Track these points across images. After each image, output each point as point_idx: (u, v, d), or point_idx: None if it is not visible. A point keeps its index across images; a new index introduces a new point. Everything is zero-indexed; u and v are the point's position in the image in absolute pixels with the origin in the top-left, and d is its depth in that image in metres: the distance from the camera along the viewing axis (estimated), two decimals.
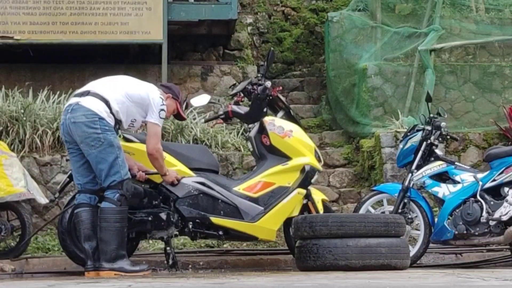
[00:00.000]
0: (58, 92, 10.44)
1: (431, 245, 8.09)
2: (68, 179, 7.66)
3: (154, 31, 11.20)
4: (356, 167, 10.74)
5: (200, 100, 7.97)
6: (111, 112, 6.93)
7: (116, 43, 11.44)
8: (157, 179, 7.34)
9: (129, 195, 6.95)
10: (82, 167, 7.02)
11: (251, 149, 7.88)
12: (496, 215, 7.75)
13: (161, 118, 7.05)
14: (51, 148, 9.66)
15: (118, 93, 6.99)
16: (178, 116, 7.50)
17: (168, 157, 7.39)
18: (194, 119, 10.26)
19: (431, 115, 8.28)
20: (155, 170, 7.26)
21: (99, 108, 6.88)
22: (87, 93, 7.00)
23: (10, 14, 11.04)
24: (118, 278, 6.54)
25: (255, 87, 7.75)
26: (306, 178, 7.65)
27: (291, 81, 13.28)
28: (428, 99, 8.48)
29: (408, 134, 8.34)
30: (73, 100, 7.07)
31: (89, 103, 6.90)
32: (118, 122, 7.01)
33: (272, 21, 14.19)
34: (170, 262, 7.38)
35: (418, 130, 8.25)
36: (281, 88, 8.50)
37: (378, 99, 11.11)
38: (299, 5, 14.37)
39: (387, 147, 10.09)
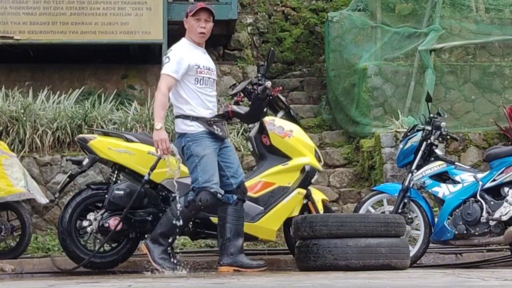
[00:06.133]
0: (58, 92, 10.45)
1: (431, 245, 8.09)
2: (68, 179, 7.66)
3: (154, 31, 11.20)
4: (356, 167, 10.73)
5: None
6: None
7: (116, 43, 11.43)
8: (157, 178, 7.34)
9: (201, 206, 6.98)
10: None
11: (251, 149, 7.88)
12: (496, 215, 7.74)
13: (164, 64, 7.04)
14: (51, 148, 9.66)
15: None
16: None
17: (167, 157, 7.38)
18: None
19: (431, 115, 8.27)
20: None
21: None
22: None
23: (10, 14, 11.04)
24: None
25: (255, 87, 7.74)
26: (306, 178, 7.65)
27: (291, 81, 13.28)
28: (428, 99, 8.47)
29: (408, 134, 8.33)
30: None
31: None
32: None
33: (272, 21, 14.18)
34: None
35: (418, 130, 8.25)
36: (281, 88, 8.49)
37: (378, 99, 11.10)
38: (299, 5, 14.37)
39: (387, 147, 10.08)
